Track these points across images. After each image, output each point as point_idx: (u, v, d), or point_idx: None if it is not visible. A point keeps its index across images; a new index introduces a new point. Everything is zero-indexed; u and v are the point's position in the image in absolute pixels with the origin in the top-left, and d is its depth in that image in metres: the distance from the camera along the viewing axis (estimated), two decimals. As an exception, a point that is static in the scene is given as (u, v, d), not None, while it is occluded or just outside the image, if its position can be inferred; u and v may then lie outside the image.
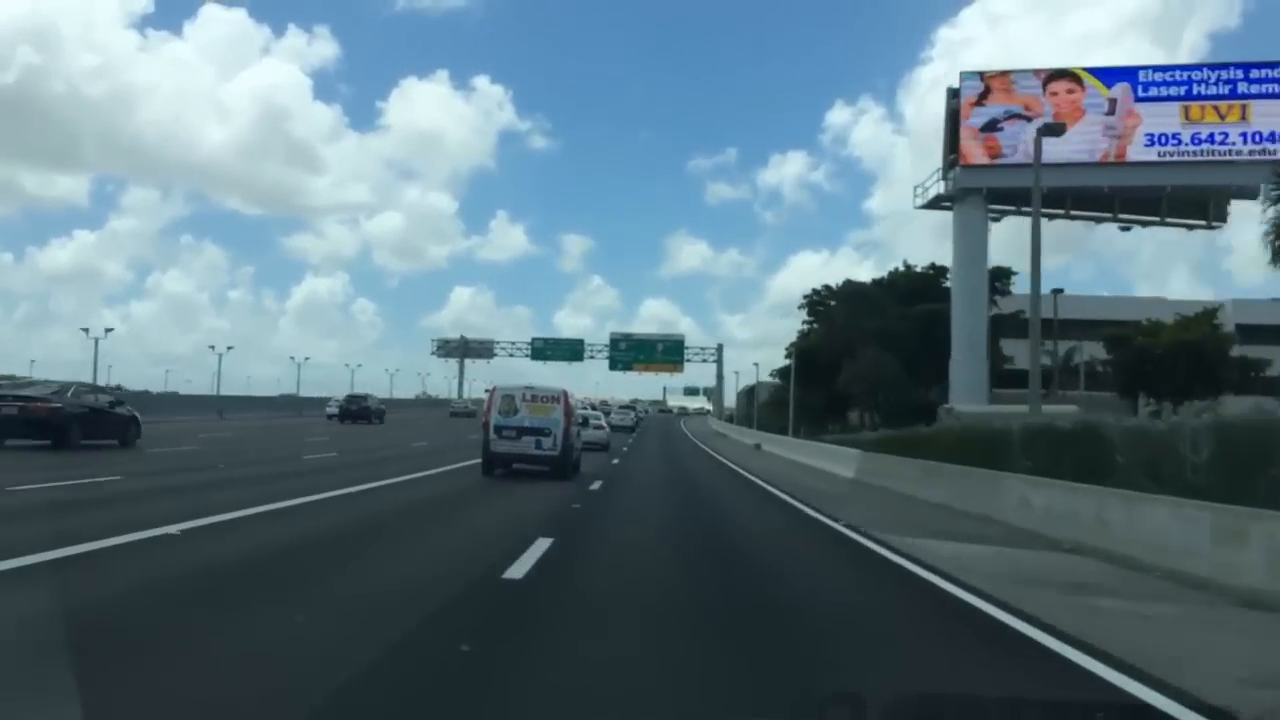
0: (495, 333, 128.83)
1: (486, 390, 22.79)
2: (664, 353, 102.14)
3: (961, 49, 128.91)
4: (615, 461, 27.36)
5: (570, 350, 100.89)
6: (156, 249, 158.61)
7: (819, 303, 67.85)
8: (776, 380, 79.45)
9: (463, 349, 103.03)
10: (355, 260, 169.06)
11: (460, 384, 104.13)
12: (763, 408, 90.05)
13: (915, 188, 50.32)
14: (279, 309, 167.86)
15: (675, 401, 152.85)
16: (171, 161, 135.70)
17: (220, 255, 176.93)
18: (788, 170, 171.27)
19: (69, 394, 21.78)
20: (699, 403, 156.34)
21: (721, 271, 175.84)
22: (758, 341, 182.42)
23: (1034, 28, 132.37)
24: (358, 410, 53.48)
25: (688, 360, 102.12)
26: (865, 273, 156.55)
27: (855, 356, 51.40)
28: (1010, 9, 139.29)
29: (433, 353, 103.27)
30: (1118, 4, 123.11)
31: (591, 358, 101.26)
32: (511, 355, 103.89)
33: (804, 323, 69.31)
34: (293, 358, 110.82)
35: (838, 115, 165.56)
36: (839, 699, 3.72)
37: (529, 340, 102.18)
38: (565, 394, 19.69)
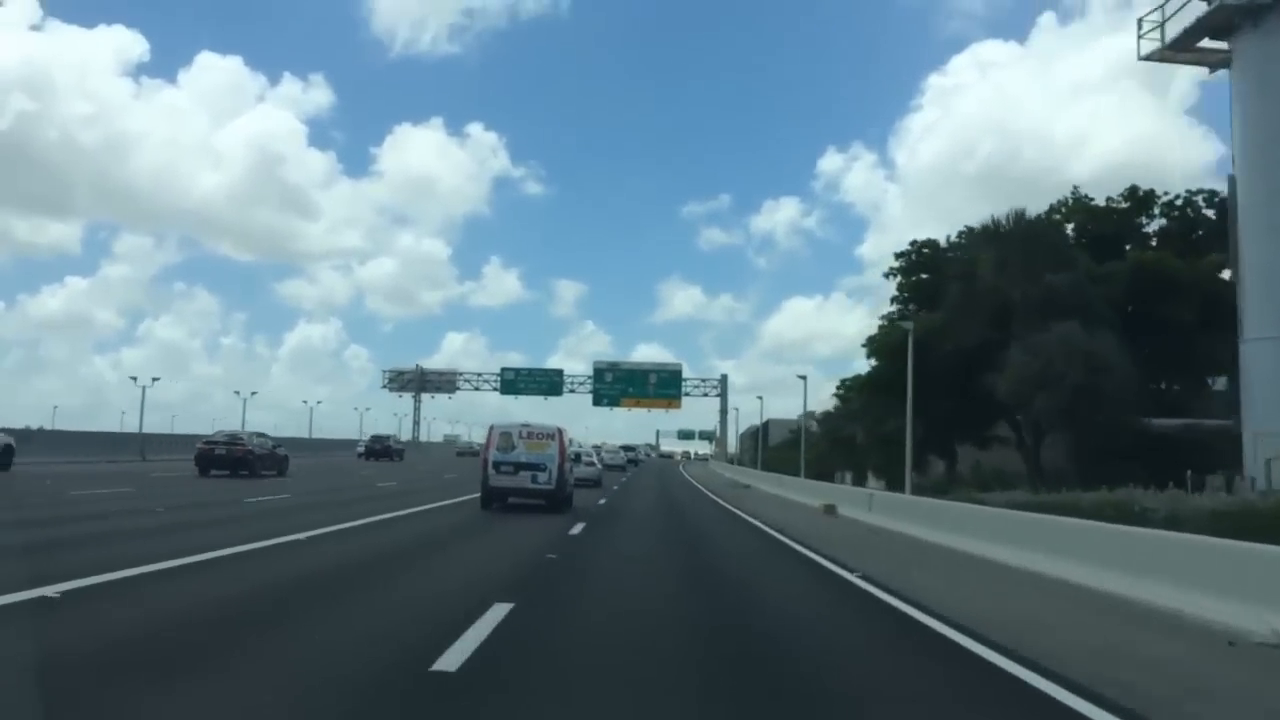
0: (460, 363, 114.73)
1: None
2: (659, 386, 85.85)
3: (951, 96, 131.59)
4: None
5: (546, 383, 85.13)
6: (148, 295, 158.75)
7: (927, 261, 44.48)
8: (835, 403, 61.40)
9: (419, 382, 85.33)
10: (348, 306, 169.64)
11: (416, 422, 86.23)
12: (779, 448, 72.03)
13: (1140, 22, 31.02)
14: (271, 355, 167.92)
15: (669, 446, 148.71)
16: (164, 208, 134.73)
17: (212, 301, 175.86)
18: (780, 216, 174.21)
19: (254, 440, 33.51)
20: (698, 447, 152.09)
21: (715, 317, 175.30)
22: (752, 387, 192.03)
23: (1023, 75, 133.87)
24: (381, 449, 62.00)
25: (686, 394, 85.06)
26: (856, 320, 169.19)
27: (1016, 340, 31.76)
28: (999, 56, 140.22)
29: (384, 385, 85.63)
30: (1106, 51, 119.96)
31: (572, 391, 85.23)
32: (477, 389, 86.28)
33: (895, 301, 45.87)
34: (305, 401, 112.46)
35: (830, 162, 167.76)
36: None
37: (498, 371, 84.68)
38: (560, 431, 21.14)
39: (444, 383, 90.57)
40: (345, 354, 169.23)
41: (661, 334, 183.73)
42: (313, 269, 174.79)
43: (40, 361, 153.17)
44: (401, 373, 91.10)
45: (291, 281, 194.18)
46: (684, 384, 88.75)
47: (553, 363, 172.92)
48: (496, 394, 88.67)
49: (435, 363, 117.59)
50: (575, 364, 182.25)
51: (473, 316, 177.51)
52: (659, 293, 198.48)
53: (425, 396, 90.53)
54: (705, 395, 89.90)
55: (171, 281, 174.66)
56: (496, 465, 20.53)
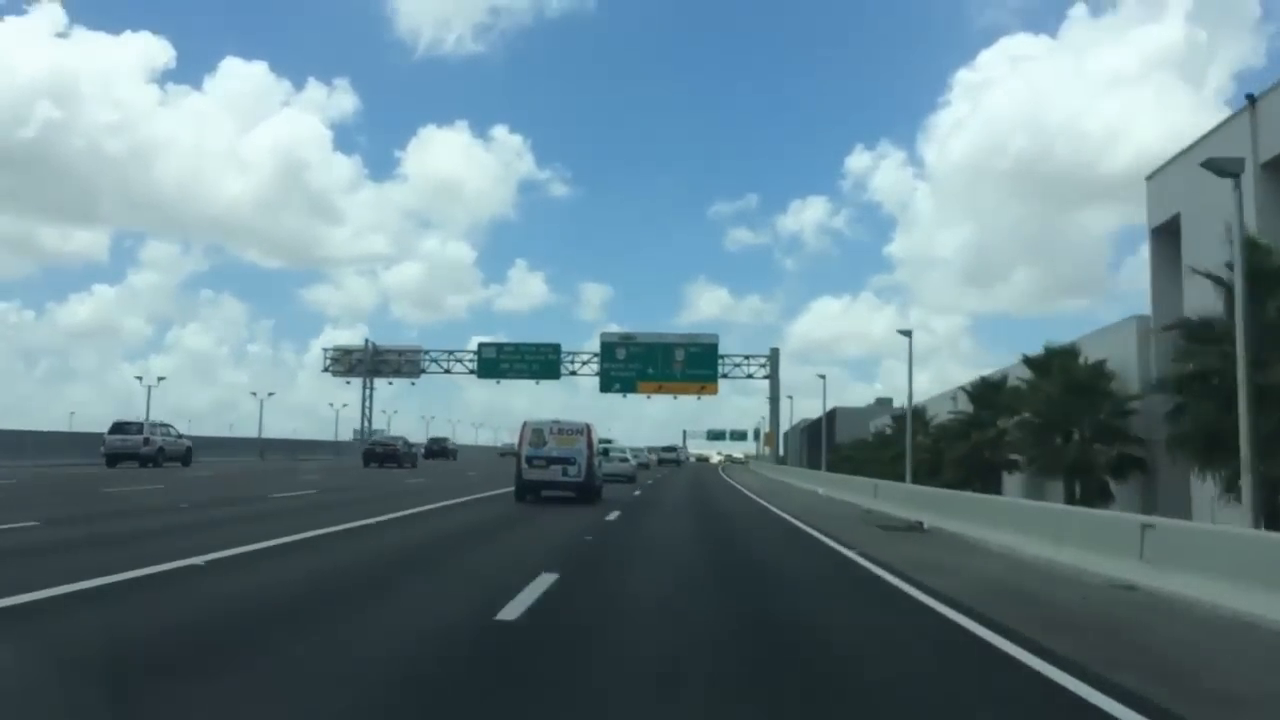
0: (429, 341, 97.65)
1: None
2: (689, 364, 63.26)
3: (980, 91, 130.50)
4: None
5: (538, 362, 64.65)
6: (176, 303, 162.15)
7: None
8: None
9: (370, 363, 62.55)
10: (374, 312, 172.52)
11: (367, 412, 64.23)
12: (866, 448, 48.92)
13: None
14: (297, 362, 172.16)
15: (697, 448, 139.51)
16: (191, 215, 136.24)
17: (239, 308, 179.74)
18: (808, 216, 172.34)
19: (403, 441, 52.10)
20: (728, 449, 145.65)
21: (742, 318, 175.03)
22: (781, 388, 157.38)
23: (1053, 69, 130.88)
24: (439, 449, 67.61)
25: (723, 375, 71.68)
26: (886, 319, 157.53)
27: None
28: (1028, 50, 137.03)
29: (325, 368, 62.86)
30: (1139, 45, 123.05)
31: (573, 373, 61.85)
32: (448, 371, 63.60)
33: None
34: (330, 404, 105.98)
35: (858, 160, 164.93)
36: None
37: (474, 348, 62.81)
38: (589, 426, 23.14)
39: (405, 364, 68.82)
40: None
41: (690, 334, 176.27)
42: (338, 275, 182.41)
43: (69, 370, 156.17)
44: (348, 351, 68.82)
45: (317, 288, 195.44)
46: (721, 362, 65.84)
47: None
48: (474, 378, 66.29)
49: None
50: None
51: (498, 321, 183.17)
52: (685, 294, 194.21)
53: (381, 382, 68.03)
54: (749, 377, 67.78)
55: (198, 289, 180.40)
56: (529, 460, 22.43)
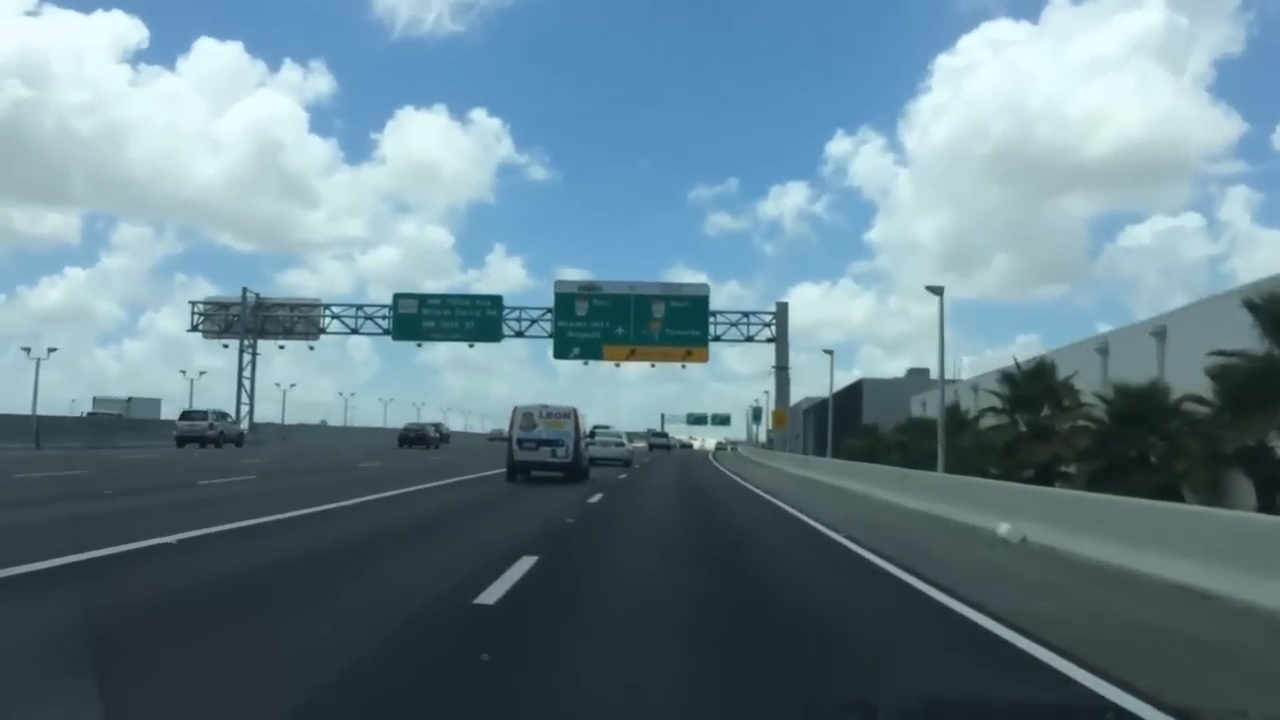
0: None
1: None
2: (671, 323, 57.41)
3: (961, 76, 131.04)
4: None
5: (473, 320, 56.95)
6: (149, 287, 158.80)
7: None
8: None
9: (251, 319, 45.07)
10: (350, 296, 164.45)
11: (245, 386, 46.88)
12: (917, 431, 32.29)
13: None
14: (273, 347, 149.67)
15: (676, 434, 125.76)
16: (164, 197, 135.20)
17: (214, 292, 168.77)
18: (788, 201, 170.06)
19: (435, 427, 65.99)
20: (708, 435, 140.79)
21: (720, 304, 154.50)
22: (757, 375, 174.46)
23: (1035, 54, 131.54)
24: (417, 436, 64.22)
25: (714, 338, 56.64)
26: (865, 305, 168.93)
27: None
28: (1010, 35, 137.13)
29: (194, 326, 45.55)
30: (1121, 31, 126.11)
31: (520, 334, 44.60)
32: (355, 331, 46.34)
33: None
34: (340, 393, 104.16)
35: (838, 145, 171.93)
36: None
37: (388, 302, 55.83)
38: (575, 410, 24.72)
39: (298, 321, 51.60)
40: (348, 345, 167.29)
41: None
42: (314, 259, 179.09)
43: (40, 353, 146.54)
44: (224, 306, 51.71)
45: (293, 271, 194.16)
46: (713, 322, 49.74)
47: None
48: (389, 339, 49.85)
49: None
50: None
51: None
52: (664, 279, 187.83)
53: (269, 344, 51.25)
54: (748, 339, 51.73)
55: (172, 272, 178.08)
56: (520, 442, 23.91)
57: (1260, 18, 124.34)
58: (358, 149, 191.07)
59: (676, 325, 53.59)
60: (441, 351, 65.23)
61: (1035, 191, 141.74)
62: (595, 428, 38.23)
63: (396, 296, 54.68)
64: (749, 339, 55.59)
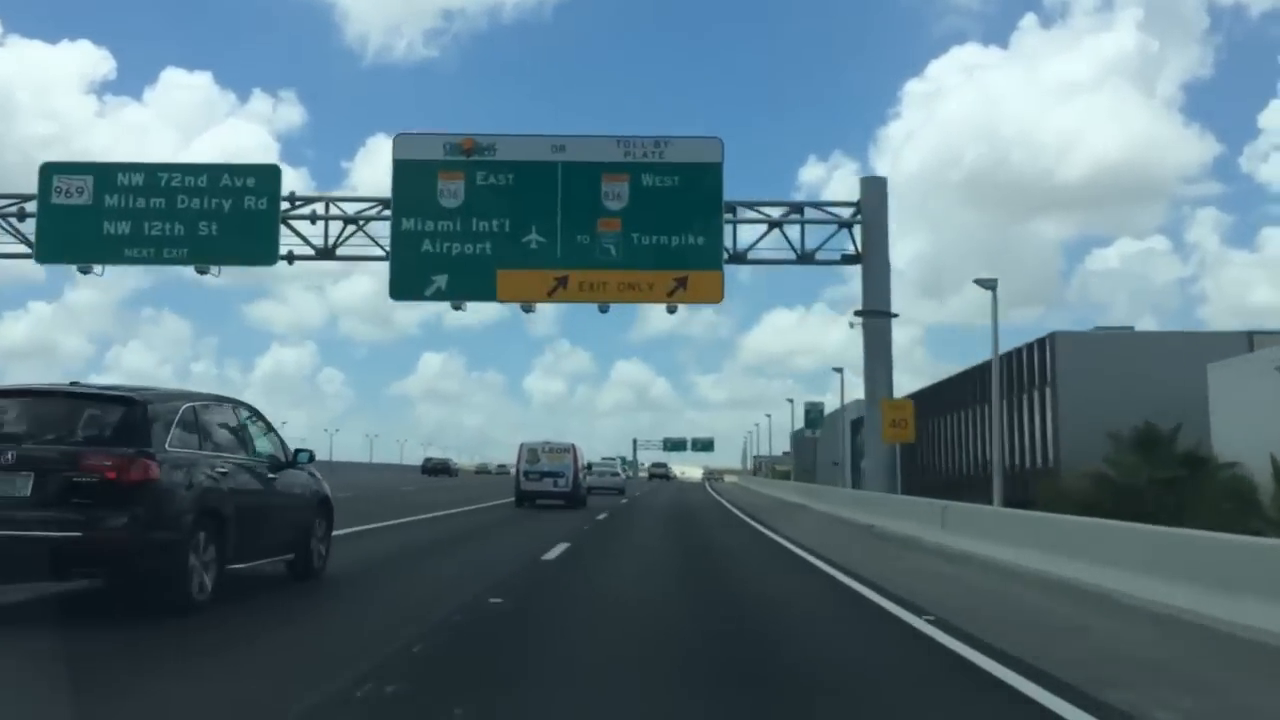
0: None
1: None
2: (640, 218, 26.13)
3: (932, 101, 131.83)
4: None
5: (220, 223, 26.06)
6: (116, 321, 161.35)
7: None
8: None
9: None
10: (322, 328, 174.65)
11: None
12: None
13: None
14: (244, 380, 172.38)
15: (651, 460, 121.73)
16: None
17: (183, 326, 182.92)
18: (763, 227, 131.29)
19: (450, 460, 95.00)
20: (687, 464, 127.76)
21: (695, 332, 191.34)
22: (731, 403, 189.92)
23: (1004, 79, 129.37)
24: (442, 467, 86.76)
25: (739, 256, 27.22)
26: (840, 330, 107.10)
27: None
28: (979, 59, 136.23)
29: None
30: (1092, 51, 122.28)
31: (327, 252, 20.24)
32: None
33: None
34: (325, 430, 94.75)
35: (811, 172, 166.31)
36: None
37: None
38: (575, 446, 29.52)
39: None
40: (319, 377, 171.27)
41: (641, 351, 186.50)
42: (285, 291, 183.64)
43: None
44: None
45: (263, 303, 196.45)
46: (731, 220, 26.91)
47: (529, 382, 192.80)
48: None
49: (409, 386, 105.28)
50: (555, 383, 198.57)
51: (450, 337, 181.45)
52: (639, 307, 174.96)
53: None
54: (801, 259, 23.86)
55: (139, 306, 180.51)
56: (526, 474, 28.43)
57: (1228, 40, 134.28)
58: (329, 177, 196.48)
59: (656, 225, 25.24)
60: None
61: (1008, 215, 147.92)
62: (590, 462, 40.09)
63: (48, 169, 24.89)
64: (803, 257, 27.11)
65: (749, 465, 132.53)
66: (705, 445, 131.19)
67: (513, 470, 32.52)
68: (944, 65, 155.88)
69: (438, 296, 25.31)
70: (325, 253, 26.24)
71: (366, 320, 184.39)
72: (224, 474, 8.34)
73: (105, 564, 7.35)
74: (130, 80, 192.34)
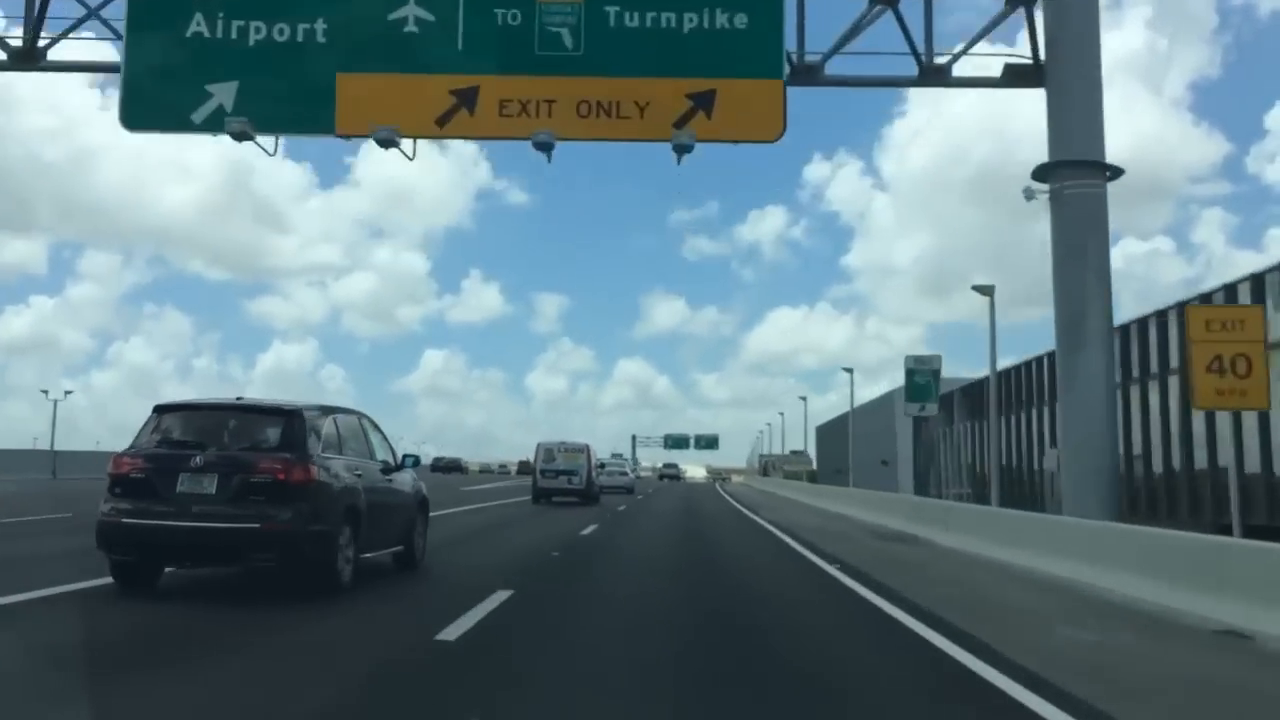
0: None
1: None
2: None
3: (937, 101, 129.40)
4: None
5: None
6: (118, 316, 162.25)
7: None
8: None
9: None
10: (324, 324, 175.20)
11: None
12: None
13: None
14: (245, 377, 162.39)
15: (647, 459, 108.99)
16: (132, 224, 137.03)
17: (184, 322, 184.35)
18: (767, 226, 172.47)
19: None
20: (690, 463, 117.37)
21: (699, 330, 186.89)
22: (734, 401, 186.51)
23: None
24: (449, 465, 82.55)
25: (808, 65, 14.16)
26: (844, 329, 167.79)
27: None
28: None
29: None
30: (1103, 50, 64.09)
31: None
32: None
33: None
34: None
35: (816, 170, 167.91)
36: None
37: None
38: (588, 446, 31.04)
39: None
40: (321, 374, 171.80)
41: (644, 348, 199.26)
42: (287, 286, 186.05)
43: (4, 387, 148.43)
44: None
45: (265, 299, 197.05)
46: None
47: (532, 379, 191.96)
48: None
49: (412, 383, 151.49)
50: (557, 380, 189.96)
51: (452, 333, 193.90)
52: (642, 305, 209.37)
53: None
54: (927, 71, 16.26)
55: (141, 301, 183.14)
56: (543, 472, 29.34)
57: (1236, 40, 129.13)
58: (331, 173, 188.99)
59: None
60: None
61: (1013, 214, 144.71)
62: (603, 461, 41.34)
63: None
64: (930, 69, 14.09)
65: (754, 465, 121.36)
66: (710, 443, 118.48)
67: (513, 471, 31.90)
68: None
69: (213, 124, 12.85)
70: (25, 56, 13.95)
71: (369, 316, 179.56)
72: (359, 476, 9.38)
73: (276, 551, 8.20)
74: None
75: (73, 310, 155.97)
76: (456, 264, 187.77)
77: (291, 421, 8.67)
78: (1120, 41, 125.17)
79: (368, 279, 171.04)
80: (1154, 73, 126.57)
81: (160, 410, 8.86)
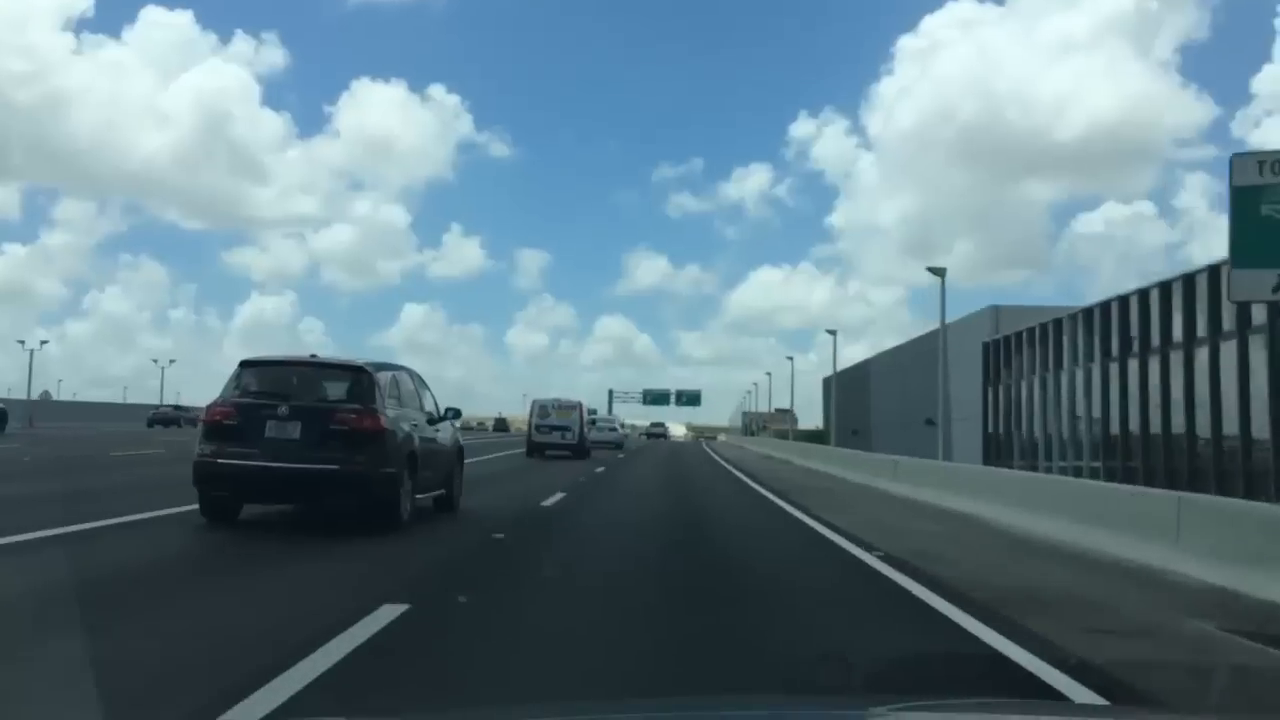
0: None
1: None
2: None
3: (925, 57, 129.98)
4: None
5: None
6: (93, 265, 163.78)
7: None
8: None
9: None
10: (302, 276, 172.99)
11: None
12: None
13: None
14: (223, 329, 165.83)
15: (630, 416, 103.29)
16: (107, 171, 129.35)
17: (161, 272, 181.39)
18: (751, 184, 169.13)
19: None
20: (677, 418, 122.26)
21: (680, 288, 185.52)
22: (716, 359, 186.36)
23: (1002, 36, 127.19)
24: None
25: None
26: (826, 289, 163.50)
27: None
28: (976, 15, 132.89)
29: None
30: (1090, 9, 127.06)
31: None
32: None
33: None
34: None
35: (801, 127, 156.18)
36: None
37: None
38: (581, 403, 34.61)
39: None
40: (300, 327, 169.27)
41: (625, 306, 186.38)
42: (265, 237, 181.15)
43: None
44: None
45: (243, 250, 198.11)
46: None
47: (512, 335, 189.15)
48: None
49: (392, 337, 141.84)
50: (538, 336, 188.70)
51: (432, 287, 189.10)
52: (625, 262, 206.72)
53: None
54: None
55: (116, 250, 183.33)
56: (538, 428, 32.20)
57: (1225, 2, 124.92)
58: (311, 122, 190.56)
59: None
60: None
61: (999, 175, 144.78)
62: (594, 417, 43.58)
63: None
64: None
65: (737, 424, 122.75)
66: (692, 399, 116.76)
67: (491, 428, 38.30)
68: (938, 20, 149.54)
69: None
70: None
71: (347, 269, 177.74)
72: (415, 426, 10.70)
73: (352, 490, 9.51)
74: (108, 18, 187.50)
75: (47, 258, 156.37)
76: (437, 218, 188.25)
77: (360, 377, 10.04)
78: (1111, 2, 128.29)
79: (347, 231, 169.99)
80: (1144, 35, 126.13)
81: (245, 365, 10.15)
